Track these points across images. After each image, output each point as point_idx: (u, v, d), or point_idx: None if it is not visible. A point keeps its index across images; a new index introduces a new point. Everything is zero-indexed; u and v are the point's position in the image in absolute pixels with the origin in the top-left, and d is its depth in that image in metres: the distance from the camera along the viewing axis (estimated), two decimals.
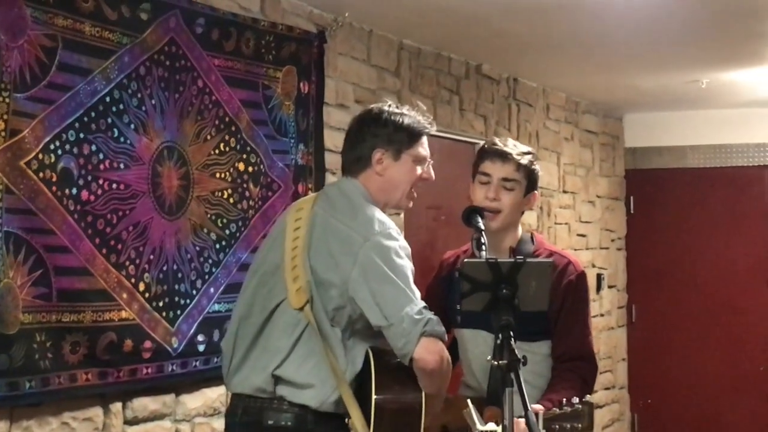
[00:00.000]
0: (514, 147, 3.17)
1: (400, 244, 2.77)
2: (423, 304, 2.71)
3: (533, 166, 3.18)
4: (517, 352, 2.46)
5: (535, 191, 3.21)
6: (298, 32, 4.38)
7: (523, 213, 3.24)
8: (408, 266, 2.75)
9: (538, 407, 2.83)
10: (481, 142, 4.09)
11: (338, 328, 2.79)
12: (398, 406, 2.72)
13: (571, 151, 7.32)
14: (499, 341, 2.49)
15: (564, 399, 2.87)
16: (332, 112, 4.63)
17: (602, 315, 7.78)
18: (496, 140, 3.23)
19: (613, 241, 8.06)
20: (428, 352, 2.64)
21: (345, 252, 2.76)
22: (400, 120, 2.91)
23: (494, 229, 3.09)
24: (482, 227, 2.97)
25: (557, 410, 2.83)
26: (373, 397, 2.70)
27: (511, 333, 2.49)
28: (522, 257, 2.68)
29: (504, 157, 3.14)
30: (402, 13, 4.77)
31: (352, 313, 2.76)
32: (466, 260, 2.74)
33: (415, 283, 2.78)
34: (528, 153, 3.19)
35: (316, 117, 4.48)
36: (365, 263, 2.72)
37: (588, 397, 2.87)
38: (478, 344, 3.12)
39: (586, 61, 6.05)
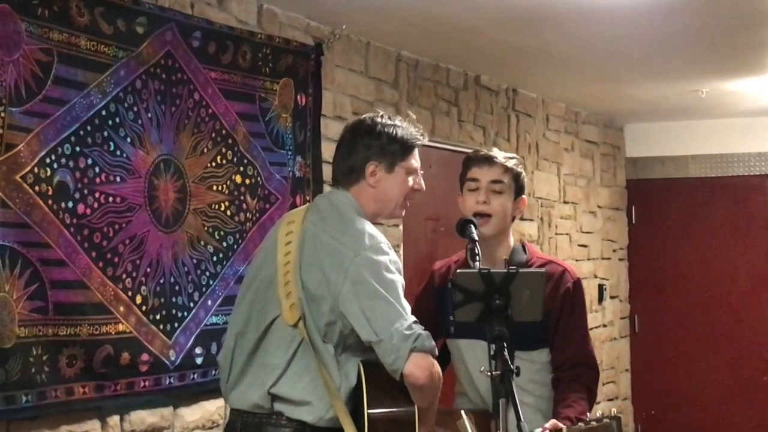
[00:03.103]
0: (499, 153, 3.24)
1: (390, 259, 2.74)
2: (413, 319, 2.68)
3: (519, 170, 3.23)
4: (510, 363, 2.46)
5: (523, 196, 3.25)
6: (294, 45, 4.40)
7: (513, 219, 3.25)
8: (398, 281, 2.72)
9: (559, 425, 2.81)
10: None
11: (330, 344, 2.76)
12: (391, 419, 2.70)
13: (571, 161, 7.31)
14: (492, 352, 2.50)
15: (578, 415, 2.85)
16: (330, 124, 4.63)
17: (605, 326, 7.76)
18: (481, 149, 3.29)
19: (614, 251, 8.04)
20: (418, 367, 2.62)
21: (335, 267, 2.72)
22: (394, 132, 2.88)
23: (487, 235, 3.10)
24: (476, 237, 2.98)
25: (582, 425, 2.80)
26: (366, 411, 2.68)
27: (505, 343, 2.49)
28: (515, 267, 2.67)
29: (490, 161, 3.19)
30: (399, 24, 4.77)
31: (343, 328, 2.73)
32: (459, 271, 2.74)
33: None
34: (513, 158, 3.25)
35: (314, 129, 4.48)
36: (355, 278, 2.69)
37: (614, 411, 2.83)
38: (477, 355, 3.11)
39: (586, 71, 6.04)
